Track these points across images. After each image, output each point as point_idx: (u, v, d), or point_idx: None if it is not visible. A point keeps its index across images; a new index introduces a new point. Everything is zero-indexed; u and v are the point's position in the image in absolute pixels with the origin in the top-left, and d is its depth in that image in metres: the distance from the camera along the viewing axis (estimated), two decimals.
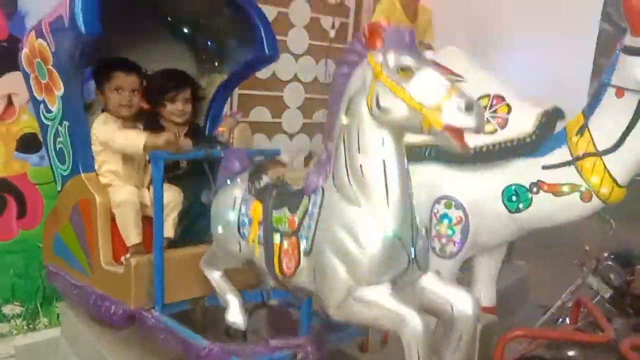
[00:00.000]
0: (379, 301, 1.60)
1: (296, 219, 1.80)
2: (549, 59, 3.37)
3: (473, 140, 2.66)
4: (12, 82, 2.92)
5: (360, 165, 1.61)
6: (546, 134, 2.58)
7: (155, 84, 2.77)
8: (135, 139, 2.46)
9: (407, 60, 1.49)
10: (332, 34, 4.39)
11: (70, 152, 2.59)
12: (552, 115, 2.61)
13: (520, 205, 2.54)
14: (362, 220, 1.61)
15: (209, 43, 3.00)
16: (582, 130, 2.42)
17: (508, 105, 2.69)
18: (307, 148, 4.43)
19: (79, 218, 2.59)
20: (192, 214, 2.65)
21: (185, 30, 3.00)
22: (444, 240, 2.61)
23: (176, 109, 2.73)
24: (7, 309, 3.09)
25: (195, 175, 2.63)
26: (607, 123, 2.34)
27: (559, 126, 2.62)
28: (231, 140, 2.51)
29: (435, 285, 1.69)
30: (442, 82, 1.46)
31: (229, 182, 2.17)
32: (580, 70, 3.32)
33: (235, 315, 2.20)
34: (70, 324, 2.91)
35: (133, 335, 2.50)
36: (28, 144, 3.04)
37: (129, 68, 2.68)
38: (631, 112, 2.26)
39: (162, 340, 2.29)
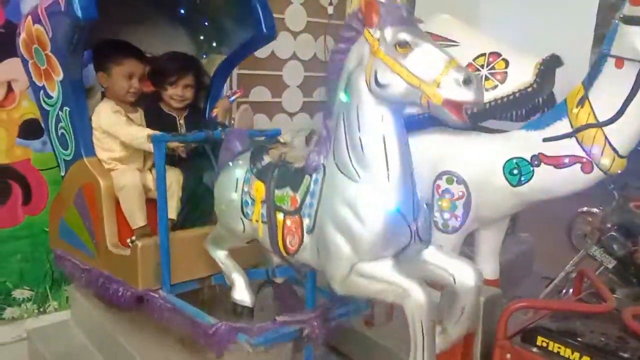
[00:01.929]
0: (382, 275, 1.62)
1: (298, 198, 1.81)
2: (548, 29, 3.33)
3: None
4: (11, 68, 2.91)
5: (360, 142, 1.62)
6: (546, 81, 2.57)
7: (159, 66, 2.77)
8: (139, 134, 2.46)
9: (404, 36, 1.50)
10: (331, 10, 4.34)
11: (72, 136, 2.60)
12: (551, 63, 2.61)
13: (522, 179, 2.55)
14: (363, 196, 1.62)
15: (206, 23, 2.98)
16: (582, 102, 2.41)
17: (505, 60, 2.69)
18: (308, 127, 4.44)
19: (83, 201, 2.61)
20: (197, 196, 2.65)
21: (182, 11, 2.98)
22: (446, 215, 2.62)
23: (175, 93, 2.72)
24: (17, 294, 3.13)
25: (197, 157, 2.64)
26: (607, 94, 2.33)
27: (558, 79, 2.61)
28: (232, 122, 2.51)
29: (437, 257, 1.71)
30: (440, 56, 1.46)
31: (230, 164, 2.17)
32: (581, 41, 3.30)
33: (241, 293, 2.24)
34: (80, 306, 2.96)
35: (142, 315, 2.54)
36: (30, 130, 3.04)
37: (141, 54, 2.67)
38: (631, 82, 2.25)
39: (170, 320, 2.33)
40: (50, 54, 2.51)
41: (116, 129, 2.54)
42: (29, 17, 2.57)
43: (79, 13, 2.23)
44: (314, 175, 1.78)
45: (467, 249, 3.23)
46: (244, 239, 2.17)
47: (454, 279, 1.66)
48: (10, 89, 2.96)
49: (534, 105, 2.61)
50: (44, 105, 2.71)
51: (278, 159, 1.97)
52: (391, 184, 1.61)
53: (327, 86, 1.73)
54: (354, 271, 1.65)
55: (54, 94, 2.60)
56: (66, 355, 2.80)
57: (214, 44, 3.01)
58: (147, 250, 2.37)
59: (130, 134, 2.51)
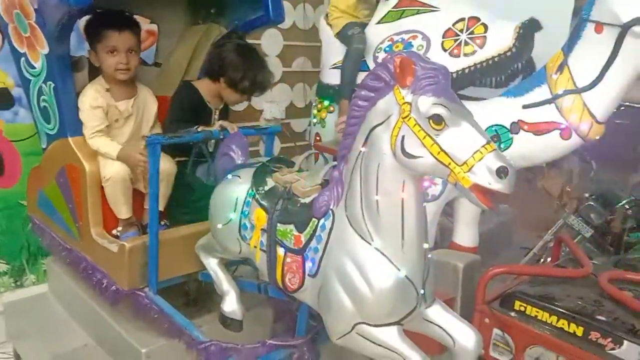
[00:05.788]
0: (386, 341, 1.58)
1: (303, 239, 1.73)
2: None
3: (454, 64, 2.67)
4: None
5: (377, 204, 1.51)
6: (526, 46, 2.58)
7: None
8: (105, 148, 2.36)
9: (441, 111, 1.36)
10: None
11: (56, 112, 2.42)
12: (530, 27, 2.61)
13: (501, 146, 2.56)
14: (373, 259, 1.55)
15: None
16: (561, 68, 2.42)
17: (484, 25, 2.69)
18: (287, 98, 4.38)
19: (66, 182, 2.48)
20: (188, 190, 2.53)
21: None
22: (426, 184, 2.62)
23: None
24: None
25: (192, 148, 2.42)
26: (587, 59, 2.34)
27: (537, 38, 2.61)
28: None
29: (441, 317, 1.66)
30: (476, 138, 1.34)
31: (230, 177, 2.05)
32: (561, 9, 3.28)
33: (232, 305, 2.16)
34: (58, 278, 2.91)
35: None
36: (0, 100, 2.95)
37: (122, 25, 2.41)
38: (610, 48, 2.26)
39: (156, 322, 2.28)
40: (34, 24, 2.29)
41: (86, 131, 2.39)
42: None
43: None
44: (321, 220, 1.68)
45: (447, 219, 3.26)
46: (238, 257, 2.08)
47: (454, 342, 1.63)
48: None
49: (513, 70, 2.61)
50: (25, 73, 2.52)
51: (283, 190, 1.85)
52: (405, 251, 1.54)
53: (346, 128, 1.60)
54: (357, 329, 1.60)
55: (38, 65, 2.40)
56: (44, 328, 2.77)
57: (212, 11, 2.83)
58: (136, 252, 2.25)
59: (97, 145, 2.38)
